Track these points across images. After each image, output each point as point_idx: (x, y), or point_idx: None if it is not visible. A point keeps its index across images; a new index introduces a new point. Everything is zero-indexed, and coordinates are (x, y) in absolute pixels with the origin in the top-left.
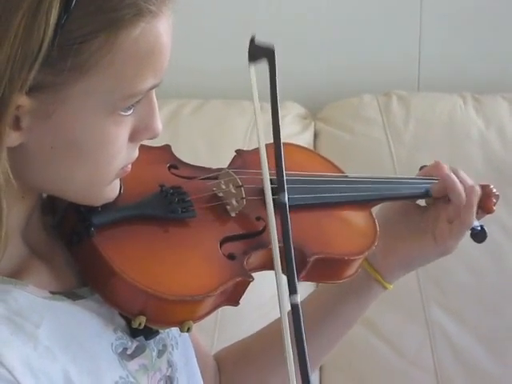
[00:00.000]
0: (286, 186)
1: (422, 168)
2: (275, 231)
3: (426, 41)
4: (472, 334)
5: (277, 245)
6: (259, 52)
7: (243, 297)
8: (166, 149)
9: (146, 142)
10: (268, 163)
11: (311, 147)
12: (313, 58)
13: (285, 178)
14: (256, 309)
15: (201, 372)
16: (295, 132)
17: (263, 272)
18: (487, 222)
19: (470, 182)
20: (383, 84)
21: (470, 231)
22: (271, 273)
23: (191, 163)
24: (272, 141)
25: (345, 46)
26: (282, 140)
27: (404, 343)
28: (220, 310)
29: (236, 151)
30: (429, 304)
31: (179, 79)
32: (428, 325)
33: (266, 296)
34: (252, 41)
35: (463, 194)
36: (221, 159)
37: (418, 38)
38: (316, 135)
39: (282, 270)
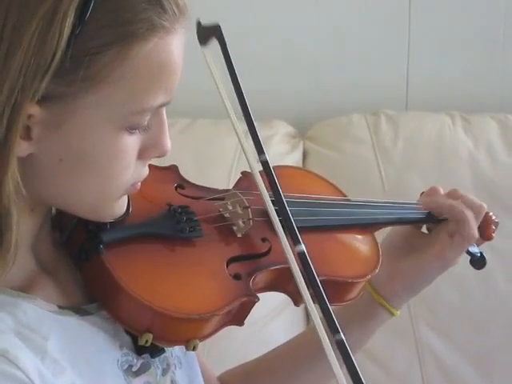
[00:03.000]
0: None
1: (422, 194)
2: (287, 242)
3: (414, 60)
4: (460, 353)
5: (287, 245)
6: (207, 33)
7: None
8: (173, 169)
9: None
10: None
11: (300, 166)
12: (301, 77)
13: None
14: (245, 328)
15: None
16: (284, 151)
17: None
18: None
19: (467, 199)
20: (371, 103)
21: (469, 257)
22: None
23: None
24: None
25: (333, 65)
26: (272, 163)
27: (393, 362)
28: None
29: (242, 173)
30: (417, 323)
31: None
32: (417, 344)
33: (256, 315)
34: (199, 24)
35: (460, 213)
36: (210, 179)
37: (407, 57)
38: (305, 154)
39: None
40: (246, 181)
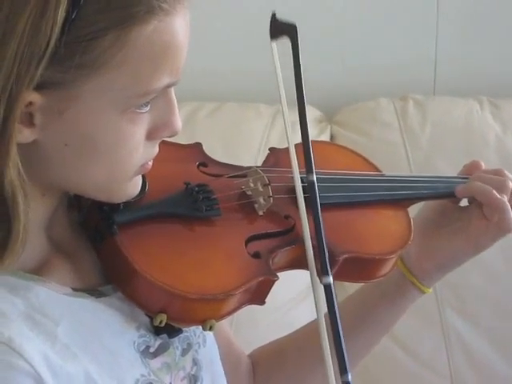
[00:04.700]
0: (313, 163)
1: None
2: (307, 228)
3: (443, 44)
4: (487, 338)
5: (309, 237)
6: (280, 29)
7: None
8: (197, 147)
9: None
10: (299, 161)
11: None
12: (329, 61)
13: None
14: (270, 312)
15: (234, 370)
16: (311, 136)
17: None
18: None
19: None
20: (398, 88)
21: None
22: (286, 277)
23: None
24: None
25: (361, 49)
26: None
27: (419, 347)
28: (235, 313)
29: (269, 149)
30: (444, 308)
31: (195, 82)
32: (443, 329)
33: (281, 300)
34: (274, 16)
35: (491, 198)
36: (237, 162)
37: (435, 41)
38: (332, 139)
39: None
40: (273, 157)
